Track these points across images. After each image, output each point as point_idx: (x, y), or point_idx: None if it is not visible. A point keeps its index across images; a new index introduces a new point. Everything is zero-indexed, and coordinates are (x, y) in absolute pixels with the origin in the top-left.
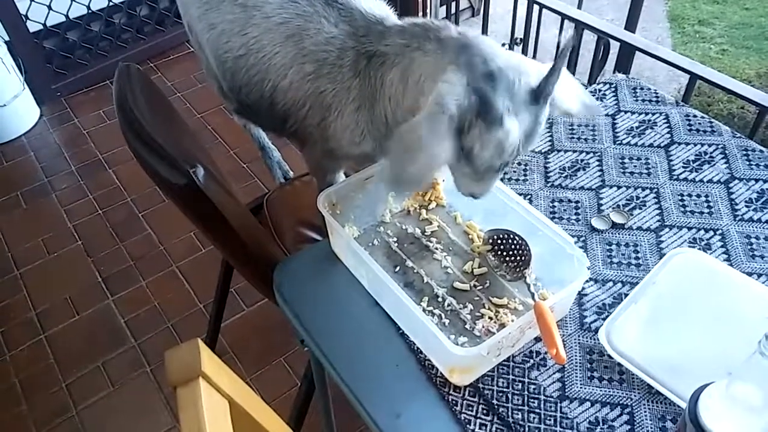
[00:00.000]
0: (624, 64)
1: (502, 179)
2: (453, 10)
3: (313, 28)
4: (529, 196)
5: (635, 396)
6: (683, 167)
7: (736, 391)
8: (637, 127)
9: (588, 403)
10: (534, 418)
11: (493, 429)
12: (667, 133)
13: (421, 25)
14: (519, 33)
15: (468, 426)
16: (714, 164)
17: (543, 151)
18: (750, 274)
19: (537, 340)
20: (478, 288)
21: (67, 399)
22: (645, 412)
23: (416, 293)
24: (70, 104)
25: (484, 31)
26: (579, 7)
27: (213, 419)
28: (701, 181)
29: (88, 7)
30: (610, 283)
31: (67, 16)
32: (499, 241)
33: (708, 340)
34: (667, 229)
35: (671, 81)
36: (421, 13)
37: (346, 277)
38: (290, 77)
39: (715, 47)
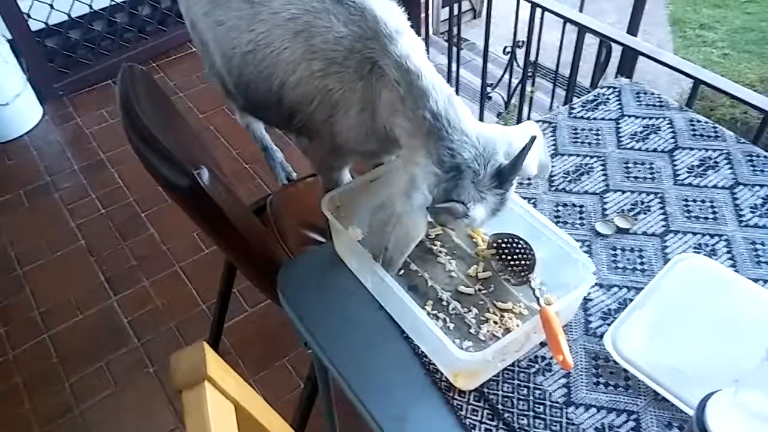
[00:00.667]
0: (626, 68)
1: None
2: (455, 12)
3: (322, 26)
4: (534, 200)
5: (641, 402)
6: (688, 172)
7: (743, 399)
8: (641, 132)
9: (594, 409)
10: (539, 423)
11: None
12: (672, 138)
13: (414, 73)
14: (521, 36)
15: (473, 431)
16: (718, 170)
17: None
18: (756, 281)
19: (542, 345)
20: (483, 292)
21: (70, 398)
22: (651, 418)
23: (420, 297)
24: (73, 103)
25: (486, 33)
26: (580, 10)
27: (219, 423)
28: (706, 186)
29: (91, 6)
30: (615, 288)
31: (69, 15)
32: (503, 245)
33: (713, 347)
34: (672, 235)
35: (672, 85)
36: (423, 15)
37: (350, 279)
38: (299, 73)
39: (717, 51)
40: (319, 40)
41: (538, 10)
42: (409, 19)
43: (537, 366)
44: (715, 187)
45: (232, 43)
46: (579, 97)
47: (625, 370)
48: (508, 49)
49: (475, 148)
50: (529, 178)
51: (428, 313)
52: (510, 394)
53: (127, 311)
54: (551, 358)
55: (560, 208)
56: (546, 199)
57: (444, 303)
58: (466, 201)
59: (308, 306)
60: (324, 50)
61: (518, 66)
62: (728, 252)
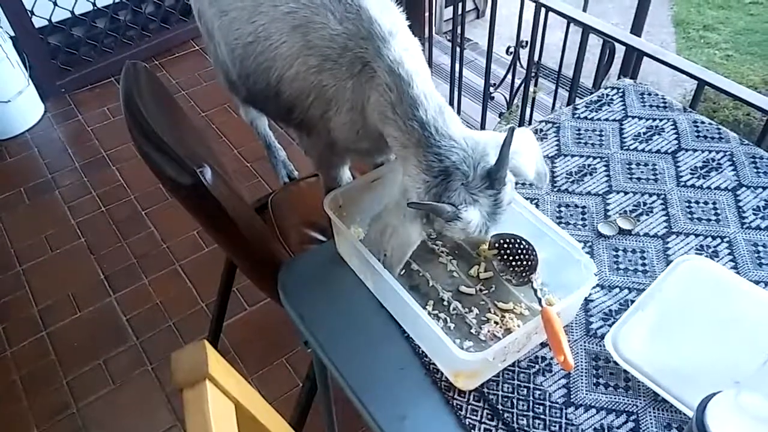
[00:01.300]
0: (629, 69)
1: None
2: (459, 11)
3: (319, 22)
4: (536, 201)
5: (641, 403)
6: (691, 174)
7: (744, 401)
8: (644, 133)
9: (593, 410)
10: (539, 424)
11: None
12: (675, 139)
13: (406, 81)
14: (524, 36)
15: (472, 431)
16: (722, 171)
17: (550, 155)
18: (757, 283)
19: (543, 345)
20: (484, 292)
21: (68, 396)
22: (651, 419)
23: (422, 296)
24: (75, 101)
25: (491, 33)
26: (584, 10)
27: (219, 422)
28: (709, 188)
29: (94, 4)
30: (617, 290)
31: (72, 12)
32: (505, 246)
33: (714, 348)
34: (674, 236)
35: (675, 86)
36: (427, 14)
37: (351, 279)
38: (296, 68)
39: (720, 53)
40: (316, 36)
41: (542, 10)
42: (412, 18)
43: (537, 366)
44: (717, 188)
45: (234, 33)
46: (581, 98)
47: (626, 371)
48: (511, 50)
49: (464, 151)
50: (525, 184)
51: (429, 313)
52: (510, 395)
53: (126, 309)
54: (551, 358)
55: (563, 208)
56: (548, 199)
57: (445, 303)
58: (457, 203)
59: (309, 305)
60: (320, 46)
61: (521, 66)
62: (730, 254)
